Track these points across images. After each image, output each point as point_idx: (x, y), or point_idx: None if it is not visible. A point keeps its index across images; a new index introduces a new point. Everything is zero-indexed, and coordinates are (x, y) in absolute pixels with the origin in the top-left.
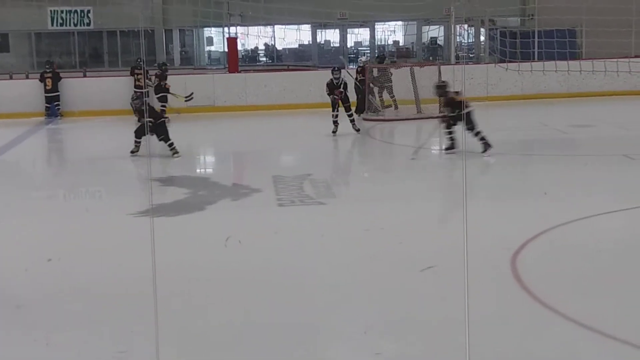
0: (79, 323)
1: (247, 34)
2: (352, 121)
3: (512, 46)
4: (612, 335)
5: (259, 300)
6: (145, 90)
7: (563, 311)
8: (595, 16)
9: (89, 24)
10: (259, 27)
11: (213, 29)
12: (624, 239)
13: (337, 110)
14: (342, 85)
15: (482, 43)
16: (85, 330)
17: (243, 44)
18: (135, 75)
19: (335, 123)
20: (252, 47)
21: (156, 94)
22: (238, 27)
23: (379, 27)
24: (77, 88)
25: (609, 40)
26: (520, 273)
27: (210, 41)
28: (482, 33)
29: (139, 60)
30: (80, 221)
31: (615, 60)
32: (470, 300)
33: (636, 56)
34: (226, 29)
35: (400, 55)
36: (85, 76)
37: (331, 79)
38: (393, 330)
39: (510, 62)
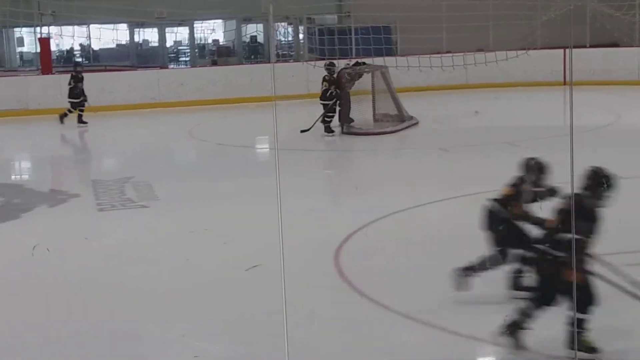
0: None
1: (62, 34)
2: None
3: (330, 43)
4: (439, 325)
5: (75, 310)
6: None
7: (386, 303)
8: (408, 13)
9: None
10: (73, 26)
11: (24, 29)
12: (440, 230)
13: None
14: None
15: (302, 41)
16: None
17: (57, 45)
18: None
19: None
20: (68, 48)
21: None
22: (51, 27)
23: (198, 25)
24: None
25: (422, 36)
26: (343, 267)
27: (21, 42)
28: (300, 31)
29: None
30: None
31: (428, 56)
32: (293, 297)
33: (448, 52)
34: (38, 29)
35: (221, 54)
36: None
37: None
38: (214, 332)
39: (319, 59)
